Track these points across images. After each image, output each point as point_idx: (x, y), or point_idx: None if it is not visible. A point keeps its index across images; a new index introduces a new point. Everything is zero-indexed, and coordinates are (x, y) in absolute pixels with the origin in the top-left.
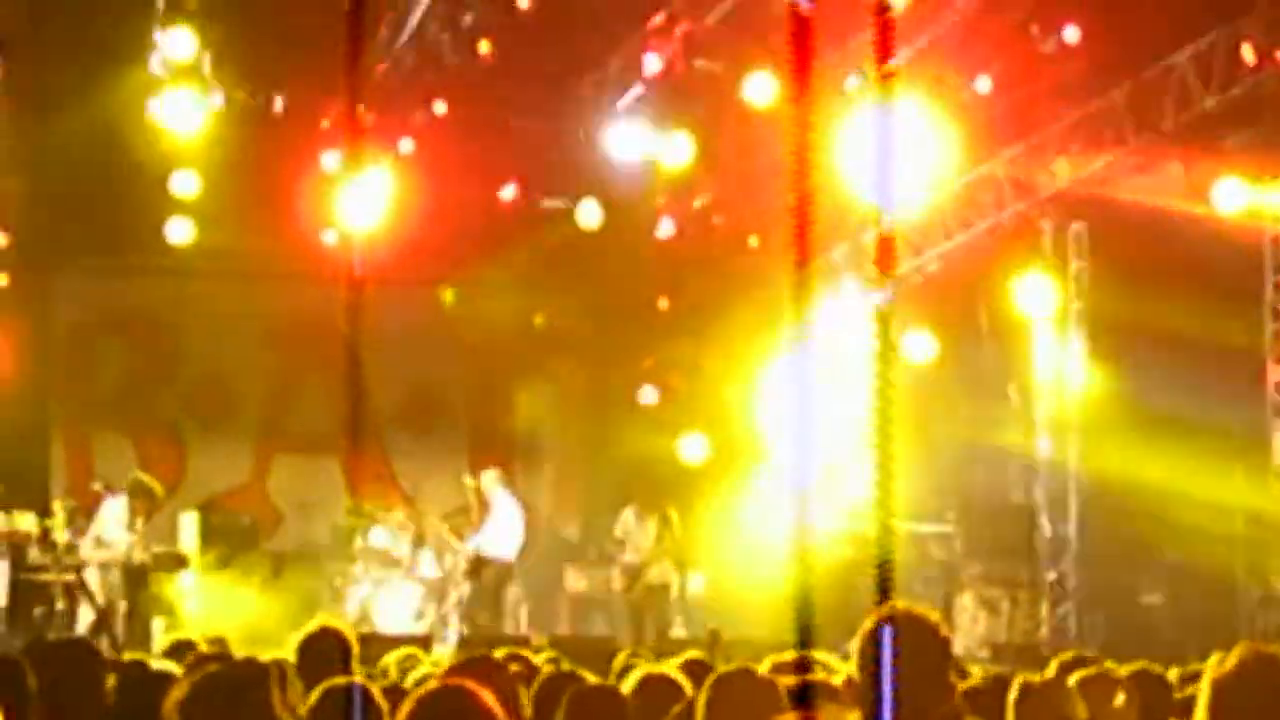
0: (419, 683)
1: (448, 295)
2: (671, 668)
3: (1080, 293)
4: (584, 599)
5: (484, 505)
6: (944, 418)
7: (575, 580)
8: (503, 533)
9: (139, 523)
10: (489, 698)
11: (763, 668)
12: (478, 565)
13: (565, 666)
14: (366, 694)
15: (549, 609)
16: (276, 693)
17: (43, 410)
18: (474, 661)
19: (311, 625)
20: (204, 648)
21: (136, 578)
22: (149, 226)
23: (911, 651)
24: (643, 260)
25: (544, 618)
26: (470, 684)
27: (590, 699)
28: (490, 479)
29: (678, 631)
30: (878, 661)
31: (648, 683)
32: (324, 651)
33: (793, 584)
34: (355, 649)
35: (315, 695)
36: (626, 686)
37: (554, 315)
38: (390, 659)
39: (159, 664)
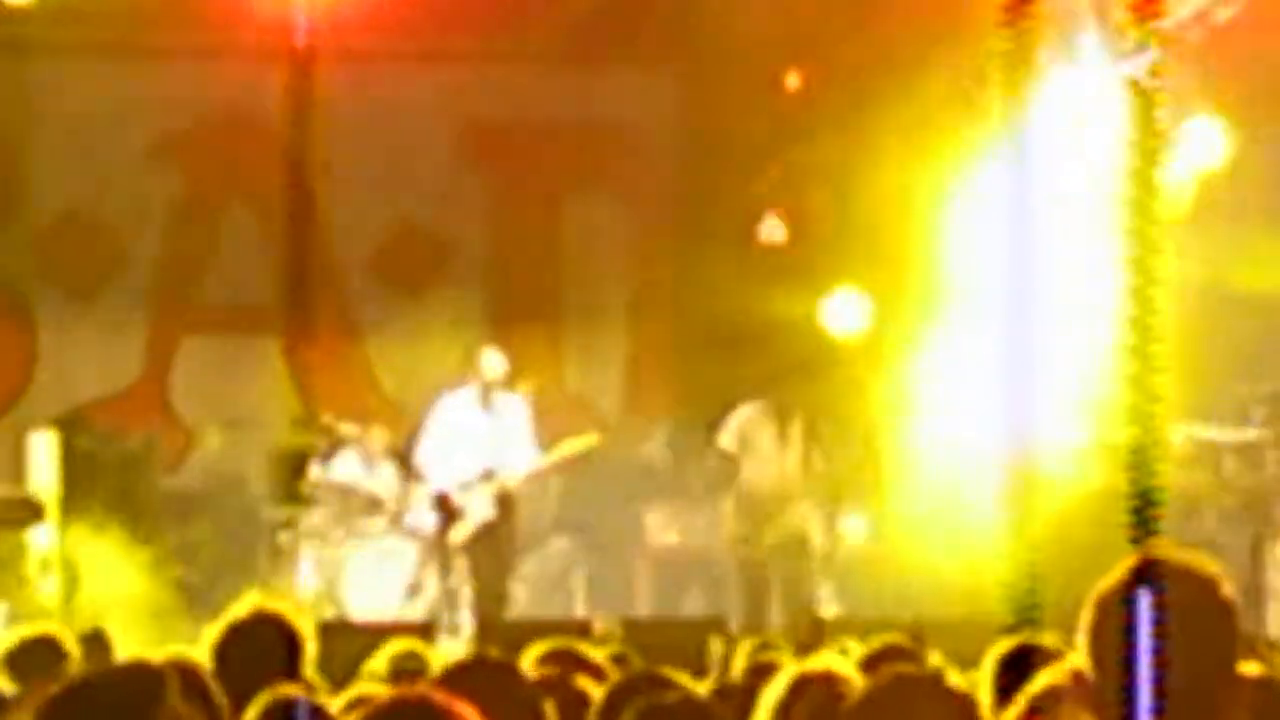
0: None
1: None
2: (834, 662)
3: None
4: (674, 558)
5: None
6: (1245, 261)
7: (660, 529)
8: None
9: None
10: (469, 715)
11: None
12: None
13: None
14: (317, 711)
15: (620, 575)
16: (179, 708)
17: None
18: (476, 665)
19: (238, 609)
20: (71, 647)
21: None
22: None
23: (1181, 622)
24: (759, 11)
25: (612, 589)
26: (438, 697)
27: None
28: (496, 366)
29: (829, 609)
30: (1130, 638)
31: (801, 686)
32: (257, 649)
33: (1011, 532)
34: (309, 645)
35: (250, 713)
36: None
37: (621, 101)
38: (379, 659)
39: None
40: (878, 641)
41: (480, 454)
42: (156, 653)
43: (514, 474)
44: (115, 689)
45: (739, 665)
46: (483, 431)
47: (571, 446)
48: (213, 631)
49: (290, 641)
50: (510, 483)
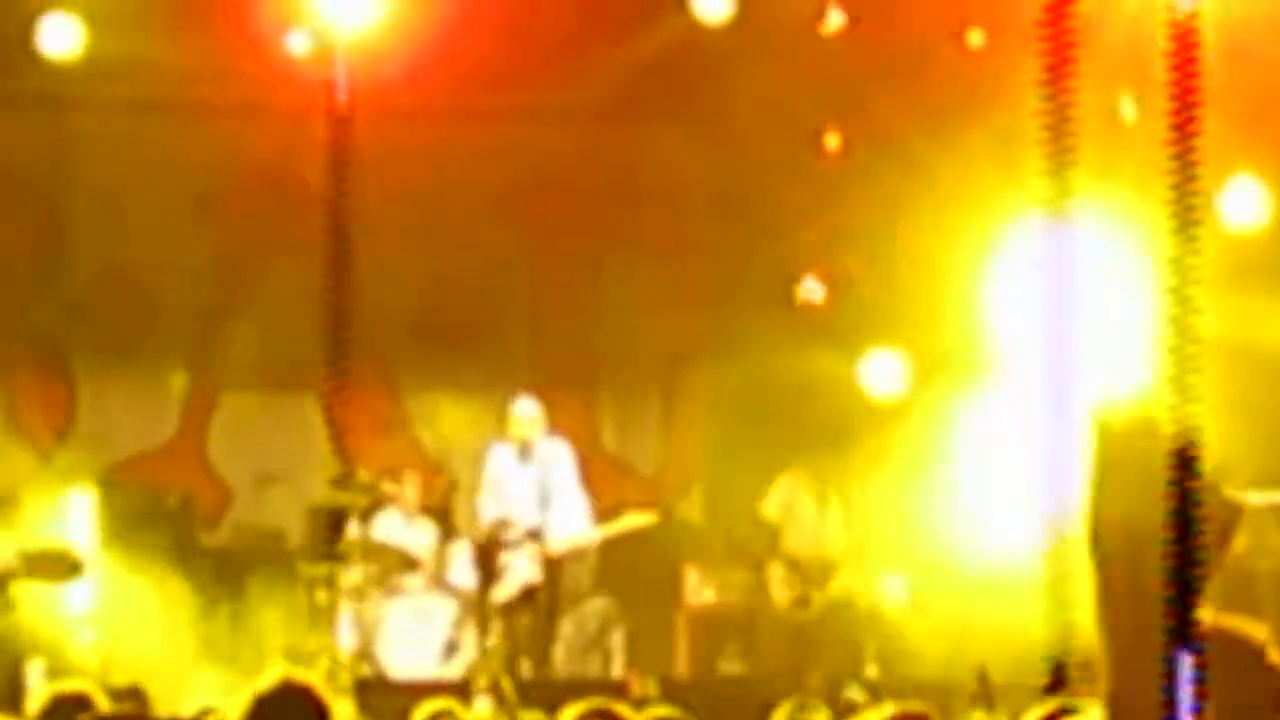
0: None
1: None
2: None
3: None
4: (712, 618)
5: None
6: None
7: (698, 587)
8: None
9: None
10: None
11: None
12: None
13: None
14: None
15: (657, 634)
16: None
17: None
18: None
19: (265, 679)
20: (105, 704)
21: None
22: (14, 32)
23: (1226, 685)
24: (800, 72)
25: (649, 649)
26: None
27: None
28: (529, 413)
29: (870, 670)
30: (1171, 700)
31: None
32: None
33: (1048, 594)
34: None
35: None
36: None
37: (661, 160)
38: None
39: None
40: (898, 708)
41: (528, 510)
42: (193, 710)
43: (567, 538)
44: None
45: None
46: (529, 487)
47: (630, 522)
48: (239, 703)
49: (319, 712)
50: (555, 548)
